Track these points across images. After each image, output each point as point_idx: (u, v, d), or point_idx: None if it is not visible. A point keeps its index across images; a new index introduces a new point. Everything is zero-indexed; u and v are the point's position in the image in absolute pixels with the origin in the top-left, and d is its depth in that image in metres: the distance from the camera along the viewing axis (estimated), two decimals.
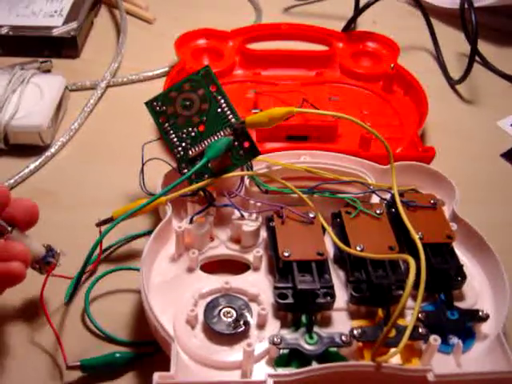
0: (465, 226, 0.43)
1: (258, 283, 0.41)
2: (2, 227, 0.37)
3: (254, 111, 0.54)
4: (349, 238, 0.41)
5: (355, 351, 0.37)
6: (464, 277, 0.41)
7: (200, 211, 0.43)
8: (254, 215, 0.44)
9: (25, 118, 0.54)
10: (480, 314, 0.39)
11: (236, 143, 0.43)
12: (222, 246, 0.43)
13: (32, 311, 0.42)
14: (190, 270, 0.42)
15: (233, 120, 0.44)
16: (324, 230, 0.42)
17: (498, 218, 0.50)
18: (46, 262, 0.39)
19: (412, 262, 0.35)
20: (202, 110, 0.44)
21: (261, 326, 0.39)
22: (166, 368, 0.34)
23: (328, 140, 0.54)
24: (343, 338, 0.37)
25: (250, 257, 0.43)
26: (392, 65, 0.60)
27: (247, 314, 0.39)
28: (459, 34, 0.68)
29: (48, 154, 0.54)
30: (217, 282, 0.41)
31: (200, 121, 0.44)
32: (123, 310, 0.42)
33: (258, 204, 0.44)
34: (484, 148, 0.57)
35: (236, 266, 0.43)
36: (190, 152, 0.44)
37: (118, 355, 0.39)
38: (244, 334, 0.38)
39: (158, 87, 0.57)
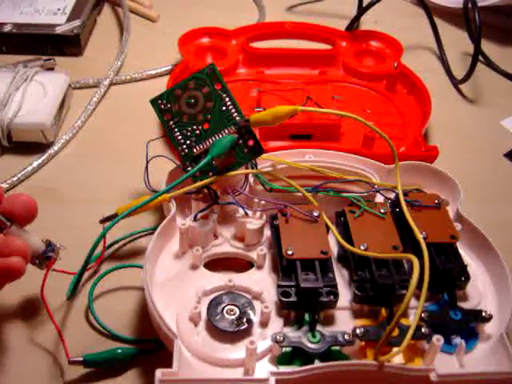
0: (469, 226, 0.43)
1: (262, 281, 0.41)
2: (0, 222, 0.37)
3: (257, 110, 0.54)
4: (353, 237, 0.41)
5: (358, 350, 0.37)
6: (468, 277, 0.41)
7: (204, 209, 0.43)
8: (258, 213, 0.44)
9: (28, 115, 0.54)
10: (483, 314, 0.39)
11: (240, 141, 0.43)
12: (225, 244, 0.44)
13: (33, 308, 0.42)
14: (194, 267, 0.42)
15: (237, 118, 0.44)
16: (328, 228, 0.42)
17: (501, 217, 0.50)
18: (46, 257, 0.39)
19: (416, 261, 0.35)
20: (207, 108, 0.44)
21: (264, 323, 0.39)
22: (169, 365, 0.34)
23: (331, 139, 0.54)
24: (346, 336, 0.37)
25: (253, 255, 0.43)
26: (395, 64, 0.60)
27: (250, 312, 0.39)
28: (463, 33, 0.68)
29: (51, 151, 0.54)
30: (220, 279, 0.41)
31: (205, 119, 0.44)
32: (126, 308, 0.42)
33: (262, 202, 0.44)
34: (487, 147, 0.57)
35: (239, 264, 0.43)
36: (195, 150, 0.44)
37: (119, 351, 0.39)
38: (247, 332, 0.38)
39: (161, 85, 0.57)
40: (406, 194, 0.44)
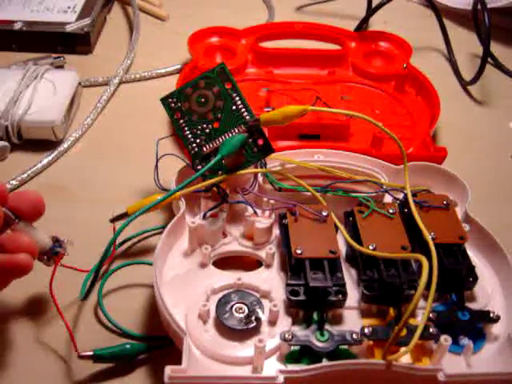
0: (477, 227, 0.43)
1: (270, 280, 0.41)
2: (8, 217, 0.37)
3: (266, 109, 0.54)
4: (361, 236, 0.41)
5: (366, 350, 0.37)
6: (476, 278, 0.41)
7: (213, 207, 0.43)
8: (267, 212, 0.44)
9: (38, 113, 0.54)
10: (491, 315, 0.39)
11: (250, 140, 0.43)
12: (234, 243, 0.44)
13: (42, 305, 0.42)
14: (203, 265, 0.42)
15: (247, 117, 0.44)
16: (337, 228, 0.42)
17: (509, 218, 0.50)
18: (53, 253, 0.39)
19: (425, 261, 0.35)
20: (217, 107, 0.44)
21: (272, 322, 0.39)
22: (177, 362, 0.34)
23: (340, 139, 0.54)
24: (354, 336, 0.37)
25: (262, 253, 0.43)
26: (404, 64, 0.60)
27: (259, 310, 0.39)
28: (472, 35, 0.68)
29: (61, 149, 0.54)
30: (229, 277, 0.41)
31: (215, 118, 0.44)
32: (136, 305, 0.43)
33: (271, 201, 0.44)
34: (496, 149, 0.57)
35: (248, 263, 0.44)
36: (205, 148, 0.44)
37: (129, 346, 0.39)
38: (255, 330, 0.38)
39: (170, 84, 0.57)
40: (414, 194, 0.44)
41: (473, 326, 0.39)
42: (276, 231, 0.44)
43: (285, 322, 0.39)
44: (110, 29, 0.71)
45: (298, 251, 0.40)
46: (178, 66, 0.64)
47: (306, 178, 0.45)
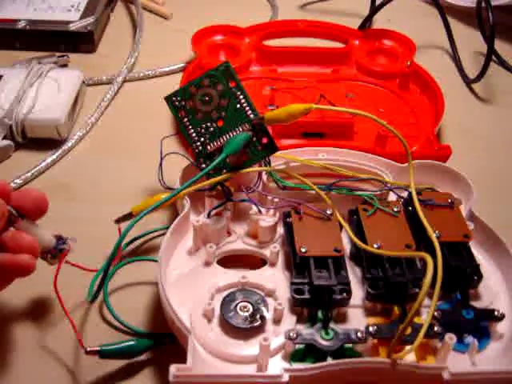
0: (482, 225, 0.43)
1: (275, 278, 0.41)
2: (11, 215, 0.37)
3: (270, 108, 0.54)
4: (366, 235, 0.41)
5: (370, 348, 0.38)
6: (480, 276, 0.41)
7: (217, 206, 0.43)
8: (272, 211, 0.44)
9: (42, 111, 0.54)
10: (496, 313, 0.39)
11: (254, 139, 0.43)
12: (239, 241, 0.44)
13: (46, 305, 0.42)
14: (207, 264, 0.42)
15: (252, 116, 0.44)
16: (341, 226, 0.42)
17: None
18: (58, 249, 0.39)
19: (430, 259, 0.34)
20: (221, 106, 0.44)
21: (277, 320, 0.39)
22: (182, 361, 0.34)
23: (344, 137, 0.54)
24: (359, 334, 0.37)
25: (266, 252, 0.43)
26: (408, 62, 0.60)
27: (263, 309, 0.39)
28: (476, 32, 0.68)
29: (65, 147, 0.54)
30: (234, 276, 0.41)
31: (219, 116, 0.44)
32: (140, 302, 0.43)
33: (276, 200, 0.44)
34: (500, 147, 0.57)
35: (253, 261, 0.44)
36: (209, 147, 0.44)
37: (135, 342, 0.39)
38: (260, 329, 0.38)
39: (174, 83, 0.57)
40: (419, 192, 0.44)
41: (477, 325, 0.39)
42: (280, 230, 0.44)
43: (289, 321, 0.39)
44: (113, 27, 0.71)
45: (303, 250, 0.40)
46: (182, 65, 0.64)
47: (310, 177, 0.45)
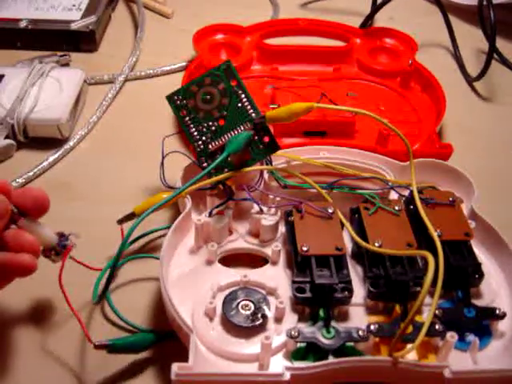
0: (483, 223, 0.43)
1: (276, 277, 0.41)
2: (13, 213, 0.37)
3: (271, 106, 0.54)
4: (367, 233, 0.41)
5: (372, 346, 0.38)
6: (482, 274, 0.41)
7: (219, 205, 0.43)
8: (273, 209, 0.44)
9: (44, 111, 0.54)
10: (497, 311, 0.39)
11: (256, 137, 0.43)
12: (240, 240, 0.44)
13: (49, 307, 0.42)
14: (209, 262, 0.42)
15: (253, 115, 0.44)
16: (342, 225, 0.42)
17: None
18: (61, 246, 0.38)
19: (431, 258, 0.35)
20: (223, 105, 0.44)
21: (278, 319, 0.39)
22: (184, 359, 0.35)
23: (345, 136, 0.54)
24: (360, 333, 0.37)
25: (268, 251, 0.43)
26: (410, 61, 0.60)
27: (265, 308, 0.39)
28: (477, 30, 0.68)
29: (67, 147, 0.54)
30: (235, 275, 0.41)
31: (220, 115, 0.44)
32: (143, 299, 0.43)
33: (277, 198, 0.44)
34: (501, 145, 0.57)
35: (254, 260, 0.44)
36: (210, 146, 0.44)
37: (142, 336, 0.39)
38: (262, 327, 0.38)
39: (175, 82, 0.57)
40: (420, 191, 0.44)
41: (479, 323, 0.39)
42: (282, 228, 0.44)
43: (291, 319, 0.39)
44: (114, 26, 0.71)
45: (304, 248, 0.40)
46: (184, 64, 0.64)
47: (311, 175, 0.45)
